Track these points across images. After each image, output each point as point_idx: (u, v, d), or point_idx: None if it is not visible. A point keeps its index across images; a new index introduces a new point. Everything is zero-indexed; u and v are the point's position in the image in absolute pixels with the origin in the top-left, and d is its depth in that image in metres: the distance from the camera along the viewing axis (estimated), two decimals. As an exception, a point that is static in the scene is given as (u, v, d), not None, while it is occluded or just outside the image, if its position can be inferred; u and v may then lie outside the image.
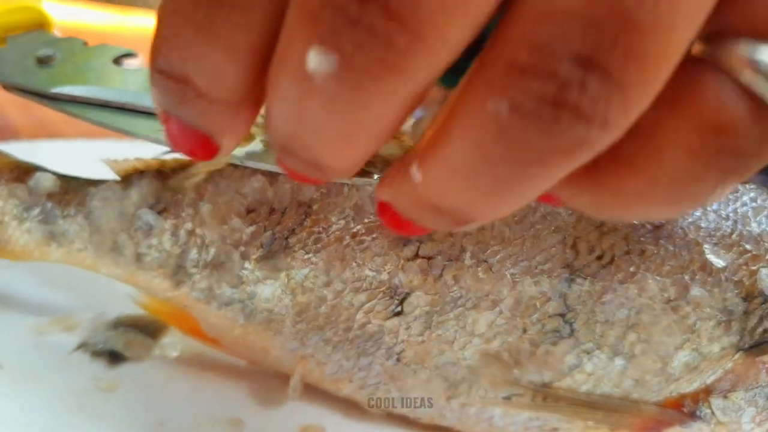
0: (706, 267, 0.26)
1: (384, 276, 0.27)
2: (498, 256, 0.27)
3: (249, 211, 0.28)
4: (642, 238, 0.27)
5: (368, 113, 0.16)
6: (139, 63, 0.36)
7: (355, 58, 0.15)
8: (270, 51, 0.17)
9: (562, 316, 0.26)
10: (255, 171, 0.29)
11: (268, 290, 0.28)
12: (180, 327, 0.31)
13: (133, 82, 0.32)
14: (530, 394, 0.27)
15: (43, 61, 0.33)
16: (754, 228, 0.27)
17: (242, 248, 0.28)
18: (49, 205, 0.30)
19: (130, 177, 0.30)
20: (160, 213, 0.29)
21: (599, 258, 0.27)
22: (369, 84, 0.16)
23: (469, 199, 0.17)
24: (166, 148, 0.27)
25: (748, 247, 0.27)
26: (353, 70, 0.15)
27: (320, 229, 0.28)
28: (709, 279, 0.26)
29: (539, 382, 0.27)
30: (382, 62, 0.15)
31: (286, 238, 0.28)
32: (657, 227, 0.27)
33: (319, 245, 0.28)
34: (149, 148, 0.29)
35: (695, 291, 0.26)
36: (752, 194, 0.28)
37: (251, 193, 0.28)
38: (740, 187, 0.28)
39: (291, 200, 0.28)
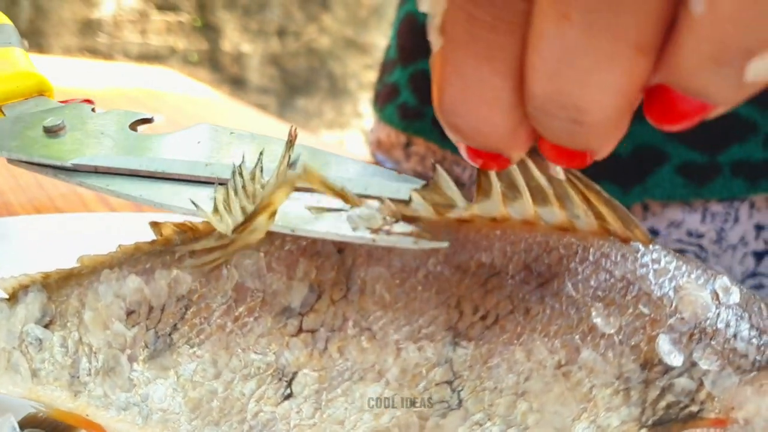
0: (596, 328, 0.25)
1: (270, 357, 0.27)
2: (381, 322, 0.26)
3: (129, 313, 0.29)
4: (527, 296, 0.26)
5: (624, 27, 0.18)
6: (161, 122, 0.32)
7: None
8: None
9: (450, 383, 0.26)
10: (129, 272, 0.29)
11: (161, 390, 0.28)
12: (89, 431, 0.30)
13: (158, 148, 0.30)
14: None
15: (51, 131, 0.31)
16: (655, 291, 0.26)
17: (128, 351, 0.28)
18: None
19: (17, 293, 0.30)
20: (47, 326, 0.29)
21: (483, 318, 0.26)
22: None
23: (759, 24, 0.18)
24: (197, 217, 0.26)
25: (645, 310, 0.25)
26: None
27: (202, 319, 0.28)
28: (601, 341, 0.25)
29: None
30: None
31: (170, 335, 0.28)
32: (542, 285, 0.26)
33: (202, 336, 0.28)
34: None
35: (586, 354, 0.25)
36: (655, 255, 0.27)
37: (129, 294, 0.28)
38: (641, 247, 0.27)
39: (168, 296, 0.28)
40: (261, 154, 0.27)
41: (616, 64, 0.18)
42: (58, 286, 0.30)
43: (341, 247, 0.27)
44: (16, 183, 0.61)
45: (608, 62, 0.18)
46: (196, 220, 0.28)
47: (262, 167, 0.27)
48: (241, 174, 0.26)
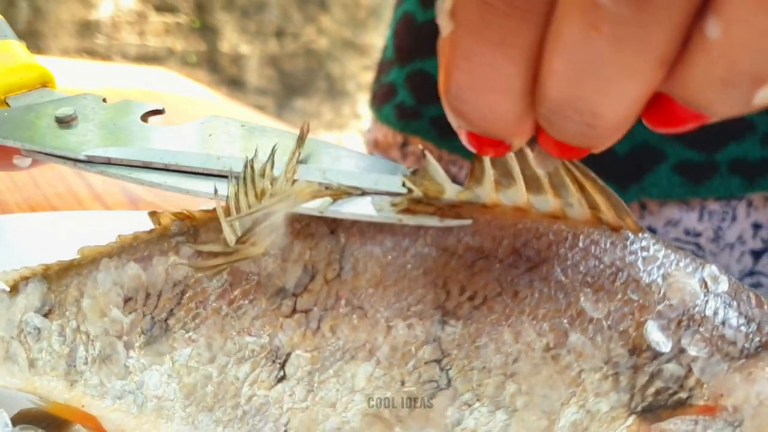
0: (585, 312, 0.25)
1: (264, 339, 0.27)
2: (372, 300, 0.27)
3: (127, 300, 0.29)
4: (515, 279, 0.26)
5: (650, 41, 0.18)
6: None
7: None
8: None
9: (438, 362, 0.26)
10: (128, 260, 0.29)
11: (156, 376, 0.28)
12: (84, 425, 0.30)
13: (170, 140, 0.30)
14: None
15: (63, 122, 0.30)
16: (643, 278, 0.26)
17: (125, 338, 0.28)
18: None
19: (17, 285, 0.30)
20: (46, 315, 0.30)
21: (471, 299, 0.26)
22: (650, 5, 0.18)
23: None
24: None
25: (633, 296, 0.25)
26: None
27: (198, 303, 0.28)
28: (589, 326, 0.25)
29: None
30: None
31: (166, 320, 0.28)
32: (530, 269, 0.26)
33: (198, 321, 0.28)
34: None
35: (574, 338, 0.25)
36: (644, 243, 0.27)
37: (127, 281, 0.29)
38: (630, 235, 0.27)
39: (165, 281, 0.29)
40: (273, 148, 0.27)
41: (638, 75, 0.19)
42: (58, 276, 0.30)
43: (334, 228, 0.28)
44: (12, 181, 0.61)
45: (631, 73, 0.19)
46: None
47: (273, 162, 0.27)
48: (252, 168, 0.27)
